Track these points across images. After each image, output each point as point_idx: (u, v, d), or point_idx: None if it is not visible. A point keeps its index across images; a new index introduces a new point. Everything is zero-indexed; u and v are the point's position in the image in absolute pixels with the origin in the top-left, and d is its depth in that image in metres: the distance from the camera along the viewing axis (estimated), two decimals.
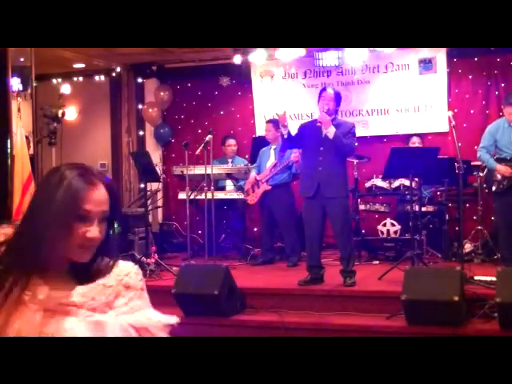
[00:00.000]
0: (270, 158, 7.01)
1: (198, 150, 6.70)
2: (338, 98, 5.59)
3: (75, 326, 1.48)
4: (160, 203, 8.49)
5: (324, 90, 5.66)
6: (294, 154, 6.56)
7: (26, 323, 1.48)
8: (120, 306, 1.53)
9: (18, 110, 5.01)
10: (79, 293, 1.51)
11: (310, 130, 5.52)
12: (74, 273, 1.54)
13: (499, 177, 5.99)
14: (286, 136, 5.52)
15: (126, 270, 1.57)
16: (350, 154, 5.66)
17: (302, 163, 5.79)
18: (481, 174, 6.73)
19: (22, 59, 5.40)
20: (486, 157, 6.10)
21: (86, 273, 1.53)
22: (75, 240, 1.47)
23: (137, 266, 1.61)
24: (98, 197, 1.49)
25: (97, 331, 1.48)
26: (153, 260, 6.35)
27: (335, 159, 5.43)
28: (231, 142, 8.05)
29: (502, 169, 5.96)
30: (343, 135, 5.40)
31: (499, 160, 6.05)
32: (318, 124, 5.44)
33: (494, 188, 6.04)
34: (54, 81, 8.99)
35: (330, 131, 5.38)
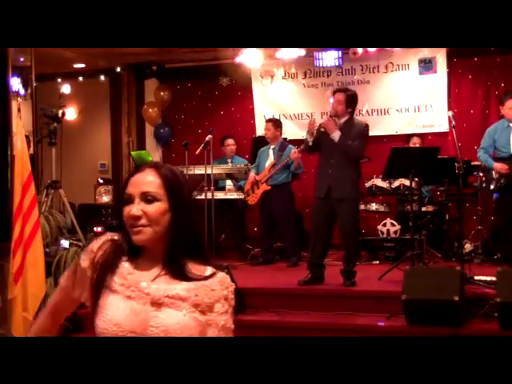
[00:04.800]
0: (268, 157, 7.01)
1: (198, 150, 6.70)
2: (349, 100, 5.52)
3: (181, 321, 1.55)
4: None
5: (335, 92, 5.64)
6: (294, 151, 6.55)
7: (124, 313, 1.57)
8: (216, 312, 1.60)
9: (18, 110, 5.00)
10: (183, 287, 1.58)
11: (326, 132, 5.52)
12: (168, 270, 1.62)
13: (497, 175, 6.01)
14: (310, 143, 5.55)
15: (227, 283, 1.65)
16: (357, 156, 5.59)
17: (318, 165, 5.76)
18: (481, 174, 6.74)
19: (22, 59, 5.39)
20: (484, 156, 6.14)
21: (181, 272, 1.60)
22: (126, 223, 1.60)
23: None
24: (139, 179, 1.60)
25: (199, 327, 1.57)
26: None
27: (345, 162, 5.44)
28: (229, 141, 8.05)
29: (498, 166, 5.98)
30: (355, 137, 5.41)
31: (497, 160, 6.08)
32: (322, 129, 5.47)
33: (492, 186, 6.06)
34: (54, 81, 8.99)
35: (335, 136, 5.41)
